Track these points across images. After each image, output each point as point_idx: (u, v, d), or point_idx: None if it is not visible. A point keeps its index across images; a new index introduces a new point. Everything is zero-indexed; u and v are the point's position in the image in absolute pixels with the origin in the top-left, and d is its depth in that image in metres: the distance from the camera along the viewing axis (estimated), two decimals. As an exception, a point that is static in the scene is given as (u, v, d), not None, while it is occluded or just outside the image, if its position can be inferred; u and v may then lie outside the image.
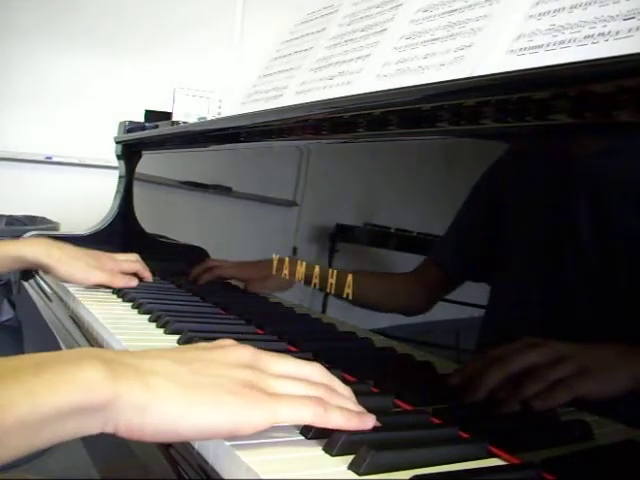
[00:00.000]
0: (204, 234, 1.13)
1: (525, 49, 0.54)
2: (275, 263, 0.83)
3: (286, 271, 0.81)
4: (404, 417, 0.52)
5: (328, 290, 0.71)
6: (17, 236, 1.40)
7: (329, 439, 0.43)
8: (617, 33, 0.46)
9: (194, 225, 1.20)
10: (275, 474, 0.38)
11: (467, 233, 0.58)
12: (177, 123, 1.46)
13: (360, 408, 0.46)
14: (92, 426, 0.39)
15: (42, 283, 1.12)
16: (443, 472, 0.41)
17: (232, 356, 0.46)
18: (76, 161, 2.89)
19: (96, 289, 0.97)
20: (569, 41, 0.50)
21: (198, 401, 0.41)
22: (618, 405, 0.42)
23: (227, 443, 0.42)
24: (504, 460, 0.44)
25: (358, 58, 0.78)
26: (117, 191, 1.50)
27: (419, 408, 0.53)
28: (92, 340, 0.77)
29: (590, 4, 0.50)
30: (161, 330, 0.74)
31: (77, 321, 0.86)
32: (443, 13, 0.68)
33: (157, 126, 1.50)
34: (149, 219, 1.39)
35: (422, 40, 0.69)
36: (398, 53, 0.71)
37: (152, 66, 2.95)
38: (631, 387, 0.41)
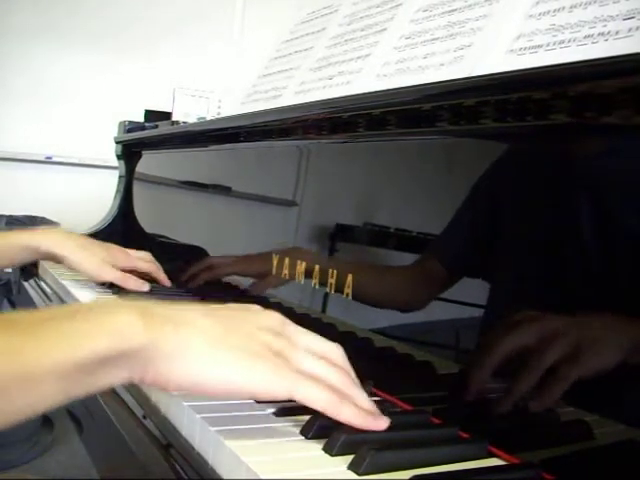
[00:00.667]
0: (204, 234, 1.13)
1: (525, 49, 0.54)
2: (275, 262, 0.83)
3: (286, 271, 0.80)
4: (404, 417, 0.52)
5: (328, 290, 0.71)
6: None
7: (329, 439, 0.43)
8: (617, 33, 0.46)
9: (194, 225, 1.20)
10: (275, 474, 0.38)
11: (468, 230, 0.58)
12: (177, 123, 1.46)
13: (372, 405, 0.46)
14: (121, 375, 0.39)
15: (42, 283, 1.12)
16: (443, 472, 0.41)
17: (262, 320, 0.47)
18: (76, 161, 2.89)
19: (96, 290, 0.97)
20: (569, 41, 0.50)
21: (227, 358, 0.41)
22: (618, 405, 0.42)
23: (227, 443, 0.42)
24: (504, 460, 0.44)
25: (358, 58, 0.78)
26: (117, 191, 1.50)
27: (419, 408, 0.53)
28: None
29: (590, 4, 0.50)
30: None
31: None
32: (443, 13, 0.68)
33: (157, 126, 1.50)
34: (149, 219, 1.39)
35: (422, 40, 0.69)
36: (398, 53, 0.71)
37: (152, 65, 2.95)
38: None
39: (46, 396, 0.37)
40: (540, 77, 0.47)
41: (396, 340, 0.63)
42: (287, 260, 0.80)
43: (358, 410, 0.44)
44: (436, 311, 0.59)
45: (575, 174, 0.48)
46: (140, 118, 1.62)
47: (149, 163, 1.44)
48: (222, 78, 2.77)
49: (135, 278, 0.93)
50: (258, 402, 0.50)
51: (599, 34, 0.48)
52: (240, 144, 0.99)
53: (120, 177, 1.51)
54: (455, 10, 0.66)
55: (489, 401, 0.50)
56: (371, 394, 0.56)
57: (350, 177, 0.75)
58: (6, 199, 2.64)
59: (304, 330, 0.50)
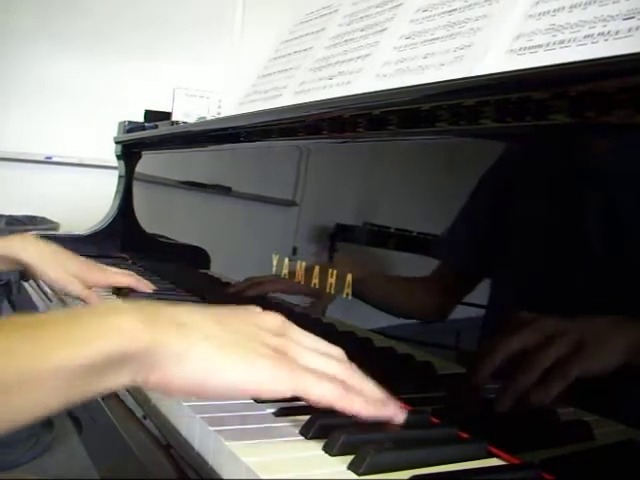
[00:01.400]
0: (204, 234, 1.13)
1: (525, 49, 0.54)
2: (275, 262, 0.83)
3: (286, 271, 0.80)
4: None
5: (328, 290, 0.71)
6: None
7: (328, 439, 0.43)
8: (617, 33, 0.46)
9: (194, 225, 1.20)
10: (275, 474, 0.38)
11: (471, 232, 0.58)
12: (177, 123, 1.46)
13: (380, 394, 0.46)
14: (124, 378, 0.39)
15: (42, 283, 1.12)
16: (443, 472, 0.41)
17: (264, 321, 0.47)
18: (76, 161, 2.89)
19: (100, 292, 0.96)
20: (569, 41, 0.50)
21: (231, 359, 0.41)
22: (618, 405, 0.42)
23: (227, 443, 0.42)
24: (504, 460, 0.44)
25: (358, 58, 0.78)
26: (117, 191, 1.50)
27: (419, 408, 0.53)
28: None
29: (590, 4, 0.50)
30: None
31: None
32: (443, 13, 0.68)
33: (157, 126, 1.50)
34: (149, 219, 1.39)
35: (422, 40, 0.69)
36: (398, 53, 0.71)
37: (152, 66, 2.95)
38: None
39: (47, 399, 0.36)
40: (540, 77, 0.47)
41: (396, 340, 0.63)
42: (286, 260, 0.80)
43: (367, 400, 0.44)
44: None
45: (575, 174, 0.48)
46: (140, 118, 1.62)
47: (149, 163, 1.44)
48: (222, 78, 2.77)
49: (96, 297, 0.89)
50: (260, 402, 0.50)
51: (599, 34, 0.48)
52: (240, 144, 0.99)
53: (120, 177, 1.51)
54: (455, 10, 0.66)
55: (489, 400, 0.50)
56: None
57: (350, 177, 0.75)
58: (6, 199, 2.65)
59: (305, 332, 0.50)
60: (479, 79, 0.54)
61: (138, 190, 1.46)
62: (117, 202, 1.48)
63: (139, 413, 0.56)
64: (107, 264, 1.06)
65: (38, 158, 2.86)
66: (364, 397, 0.44)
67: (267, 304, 0.86)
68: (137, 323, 0.39)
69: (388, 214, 0.68)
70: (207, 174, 1.14)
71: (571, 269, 0.47)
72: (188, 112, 1.50)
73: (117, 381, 0.39)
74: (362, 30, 0.82)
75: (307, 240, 0.81)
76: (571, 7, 0.52)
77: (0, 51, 2.81)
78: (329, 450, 0.42)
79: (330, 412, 0.48)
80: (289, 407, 0.49)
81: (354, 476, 0.39)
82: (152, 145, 1.42)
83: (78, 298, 0.89)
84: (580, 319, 0.45)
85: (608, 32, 0.47)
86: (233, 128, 0.98)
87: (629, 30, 0.45)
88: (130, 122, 1.53)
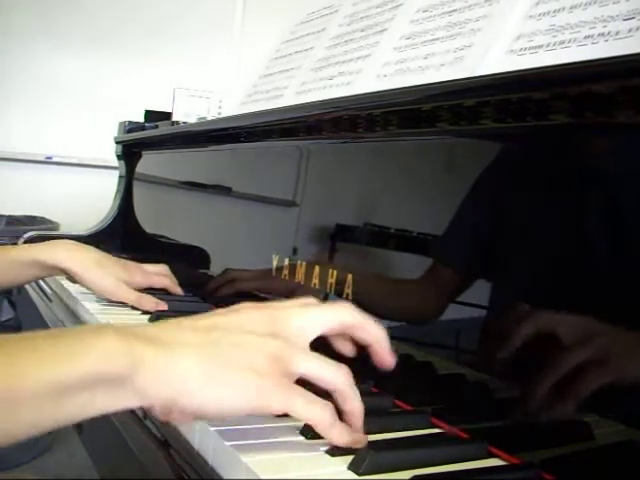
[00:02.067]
0: (204, 234, 1.13)
1: (525, 49, 0.54)
2: (275, 262, 0.83)
3: (286, 271, 0.81)
4: (404, 417, 0.52)
5: (328, 290, 0.71)
6: (17, 236, 1.40)
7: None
8: (617, 33, 0.46)
9: (194, 225, 1.20)
10: (275, 474, 0.38)
11: (472, 232, 0.58)
12: (177, 123, 1.46)
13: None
14: (127, 400, 0.38)
15: (42, 283, 1.12)
16: (443, 472, 0.41)
17: (255, 323, 0.45)
18: (76, 161, 2.90)
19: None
20: (569, 41, 0.50)
21: (223, 384, 0.40)
22: (618, 405, 0.42)
23: (227, 443, 0.42)
24: (504, 460, 0.44)
25: (358, 58, 0.78)
26: (117, 191, 1.50)
27: (419, 408, 0.53)
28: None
29: (590, 4, 0.50)
30: (161, 330, 0.74)
31: (77, 321, 0.86)
32: (443, 13, 0.68)
33: (157, 126, 1.50)
34: (149, 219, 1.39)
35: (422, 40, 0.69)
36: (398, 53, 0.71)
37: (152, 66, 2.95)
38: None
39: (29, 421, 0.35)
40: (540, 77, 0.47)
41: (396, 340, 0.63)
42: (286, 261, 0.80)
43: (345, 433, 0.42)
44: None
45: (575, 174, 0.48)
46: (140, 118, 1.63)
47: (149, 163, 1.44)
48: (222, 78, 2.77)
49: (150, 299, 0.86)
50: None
51: (599, 34, 0.48)
52: (240, 144, 0.99)
53: (120, 177, 1.51)
54: (455, 10, 0.66)
55: (489, 400, 0.50)
56: (371, 394, 0.56)
57: (350, 177, 0.75)
58: (6, 199, 2.65)
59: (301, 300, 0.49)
60: (479, 79, 0.54)
61: (138, 190, 1.46)
62: (117, 202, 1.48)
63: (139, 413, 0.56)
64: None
65: (38, 158, 2.86)
66: (344, 429, 0.42)
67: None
68: (117, 342, 0.38)
69: (388, 214, 0.69)
70: (207, 174, 1.14)
71: (571, 269, 0.47)
72: (188, 112, 1.50)
73: (119, 402, 0.38)
74: (362, 30, 0.82)
75: (307, 240, 0.81)
76: (571, 8, 0.52)
77: (0, 51, 2.81)
78: (329, 450, 0.42)
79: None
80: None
81: (354, 476, 0.39)
82: (152, 145, 1.42)
83: (128, 302, 0.85)
84: (586, 321, 0.45)
85: (608, 33, 0.47)
86: (234, 128, 0.98)
87: (629, 31, 0.45)
88: (130, 122, 1.53)
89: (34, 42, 2.84)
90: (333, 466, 0.40)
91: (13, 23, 2.82)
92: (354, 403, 0.44)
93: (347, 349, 0.51)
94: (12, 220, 2.52)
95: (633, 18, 0.46)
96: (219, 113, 1.52)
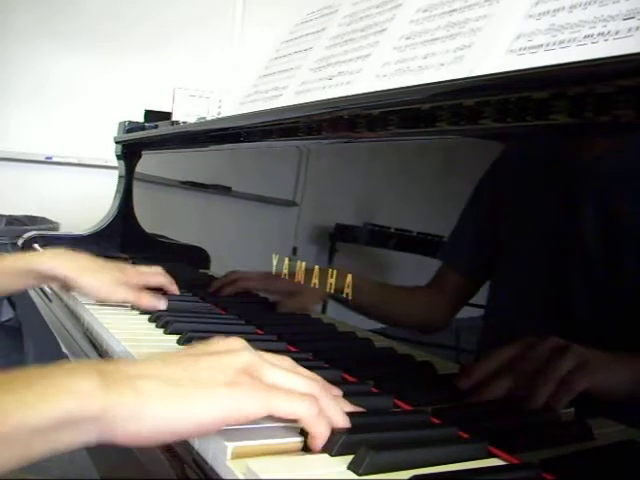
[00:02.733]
0: (204, 234, 1.13)
1: (525, 49, 0.54)
2: (275, 262, 0.83)
3: (286, 271, 0.81)
4: (404, 417, 0.52)
5: (328, 290, 0.71)
6: (17, 236, 1.40)
7: (328, 439, 0.42)
8: (617, 33, 0.46)
9: (194, 225, 1.20)
10: (275, 474, 0.38)
11: (475, 234, 0.58)
12: (177, 123, 1.46)
13: (353, 407, 0.47)
14: (88, 436, 0.39)
15: (47, 289, 1.12)
16: (443, 472, 0.41)
17: (226, 347, 0.46)
18: (76, 161, 2.90)
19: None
20: (569, 41, 0.50)
21: (191, 399, 0.41)
22: (618, 405, 0.42)
23: (227, 443, 0.42)
24: (504, 460, 0.44)
25: (358, 58, 0.78)
26: (117, 191, 1.50)
27: (419, 408, 0.53)
28: (92, 340, 0.77)
29: (590, 4, 0.50)
30: (161, 330, 0.74)
31: (77, 321, 0.86)
32: (443, 13, 0.68)
33: (157, 126, 1.50)
34: (149, 219, 1.39)
35: (422, 40, 0.69)
36: (398, 53, 0.71)
37: (152, 66, 2.95)
38: (630, 388, 0.41)
39: (3, 458, 0.36)
40: (540, 77, 0.47)
41: (396, 340, 0.63)
42: (286, 261, 0.80)
43: (329, 432, 0.43)
44: (436, 311, 0.59)
45: (575, 174, 0.48)
46: (140, 118, 1.62)
47: (149, 163, 1.44)
48: (222, 78, 2.77)
49: (149, 295, 0.86)
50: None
51: (599, 34, 0.48)
52: (240, 144, 0.99)
53: (120, 177, 1.51)
54: (455, 10, 0.66)
55: (489, 400, 0.50)
56: (371, 394, 0.56)
57: (350, 177, 0.75)
58: (6, 199, 2.65)
59: (272, 354, 0.49)
60: (479, 79, 0.54)
61: (138, 190, 1.46)
62: (117, 202, 1.48)
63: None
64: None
65: (38, 158, 2.86)
66: (329, 426, 0.43)
67: (266, 303, 0.86)
68: (91, 385, 0.38)
69: (388, 214, 0.69)
70: (207, 174, 1.14)
71: (571, 269, 0.47)
72: (188, 112, 1.50)
73: (82, 439, 0.39)
74: (362, 30, 0.82)
75: (307, 240, 0.81)
76: (571, 7, 0.52)
77: (0, 50, 2.81)
78: (329, 450, 0.42)
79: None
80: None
81: (354, 476, 0.39)
82: (152, 145, 1.42)
83: (127, 302, 0.86)
84: (583, 322, 0.45)
85: (608, 32, 0.47)
86: (233, 128, 0.98)
87: (629, 30, 0.45)
88: (130, 122, 1.53)
89: (34, 42, 2.84)
90: (333, 466, 0.40)
91: (13, 23, 2.82)
92: (333, 413, 0.44)
93: None
94: (12, 220, 2.53)
95: (633, 18, 0.46)
96: (219, 113, 1.52)
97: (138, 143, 1.46)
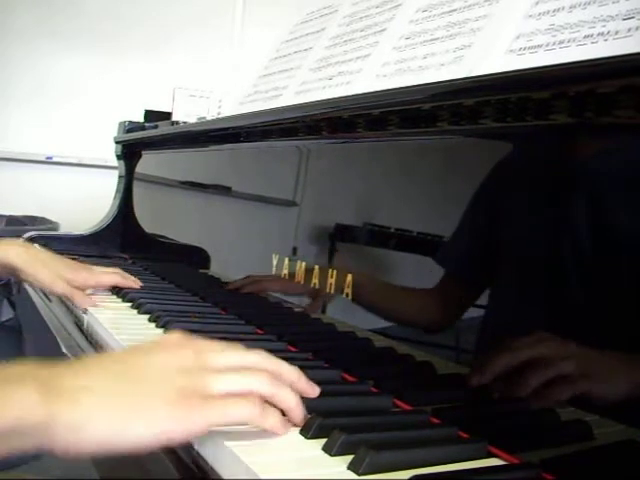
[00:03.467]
0: (204, 234, 1.13)
1: (524, 49, 0.54)
2: (275, 262, 0.83)
3: (286, 271, 0.81)
4: (404, 417, 0.52)
5: (328, 290, 0.71)
6: (17, 236, 1.40)
7: (328, 439, 0.42)
8: (616, 33, 0.46)
9: (194, 225, 1.20)
10: (275, 474, 0.38)
11: (475, 236, 0.58)
12: (177, 123, 1.46)
13: (309, 384, 0.48)
14: (27, 446, 0.40)
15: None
16: (443, 472, 0.41)
17: (173, 358, 0.46)
18: (76, 161, 2.89)
19: (97, 290, 0.96)
20: (568, 41, 0.50)
21: (130, 416, 0.41)
22: (618, 405, 0.42)
23: (227, 443, 0.42)
24: (504, 460, 0.44)
25: (358, 58, 0.78)
26: (117, 191, 1.50)
27: (419, 408, 0.53)
28: (92, 340, 0.77)
29: (589, 4, 0.50)
30: (161, 330, 0.74)
31: (77, 321, 0.86)
32: (442, 13, 0.68)
33: (157, 126, 1.50)
34: (149, 219, 1.39)
35: (422, 40, 0.69)
36: (398, 53, 0.71)
37: (152, 66, 2.95)
38: (629, 390, 0.41)
39: None
40: (540, 77, 0.47)
41: (396, 340, 0.63)
42: (286, 261, 0.80)
43: (281, 420, 0.44)
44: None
45: (575, 174, 0.48)
46: (140, 118, 1.62)
47: (149, 163, 1.44)
48: (222, 78, 2.77)
49: (82, 294, 0.90)
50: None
51: (599, 34, 0.48)
52: (240, 144, 0.99)
53: (120, 177, 1.51)
54: (455, 10, 0.66)
55: (489, 400, 0.50)
56: (370, 393, 0.56)
57: (350, 177, 0.75)
58: (6, 199, 2.65)
59: (223, 348, 0.49)
60: (479, 79, 0.54)
61: (138, 190, 1.46)
62: (117, 202, 1.48)
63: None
64: (106, 264, 1.06)
65: (38, 158, 2.85)
66: (278, 416, 0.44)
67: (266, 303, 0.86)
68: (32, 399, 0.39)
69: (388, 214, 0.69)
70: (207, 174, 1.14)
71: (572, 269, 0.47)
72: (188, 112, 1.50)
73: (20, 446, 0.40)
74: (362, 30, 0.82)
75: (307, 240, 0.81)
76: (571, 7, 0.52)
77: (0, 51, 2.81)
78: (329, 450, 0.42)
79: (330, 412, 0.48)
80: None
81: (354, 476, 0.39)
82: (152, 145, 1.42)
83: (64, 296, 0.91)
84: (581, 321, 0.45)
85: (608, 32, 0.47)
86: (233, 128, 0.98)
87: (629, 30, 0.45)
88: (130, 122, 1.53)
89: (34, 42, 2.84)
90: (333, 466, 0.40)
91: (13, 23, 2.82)
92: (284, 399, 0.45)
93: None
94: (12, 220, 2.52)
95: (632, 18, 0.46)
96: (219, 113, 1.52)
97: (138, 143, 1.46)
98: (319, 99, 0.76)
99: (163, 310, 0.82)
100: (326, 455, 0.42)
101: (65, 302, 0.96)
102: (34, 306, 1.06)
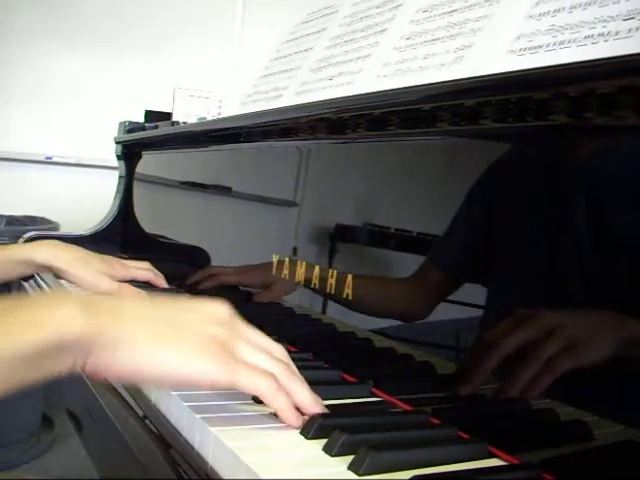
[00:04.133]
0: (204, 234, 1.13)
1: (525, 49, 0.54)
2: (275, 263, 0.83)
3: (286, 271, 0.81)
4: (404, 417, 0.52)
5: (328, 290, 0.71)
6: (17, 236, 1.40)
7: (329, 439, 0.43)
8: (617, 33, 0.46)
9: (194, 225, 1.20)
10: (275, 474, 0.38)
11: (467, 233, 0.58)
12: (177, 123, 1.46)
13: (313, 395, 0.48)
14: (64, 364, 0.41)
15: (42, 283, 1.12)
16: (443, 472, 0.41)
17: (208, 310, 0.48)
18: (76, 161, 2.89)
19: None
20: (569, 41, 0.50)
21: (166, 346, 0.43)
22: (618, 405, 0.42)
23: (227, 443, 0.42)
24: (504, 460, 0.44)
25: (358, 58, 0.78)
26: (117, 191, 1.50)
27: (419, 408, 0.53)
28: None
29: (590, 4, 0.50)
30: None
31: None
32: (443, 13, 0.68)
33: (157, 126, 1.50)
34: (149, 219, 1.39)
35: (422, 40, 0.69)
36: (398, 53, 0.71)
37: (152, 66, 2.95)
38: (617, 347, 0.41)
39: None
40: (540, 77, 0.47)
41: (396, 340, 0.63)
42: (287, 261, 0.80)
43: (290, 404, 0.45)
44: (436, 311, 0.59)
45: (575, 174, 0.48)
46: (140, 118, 1.62)
47: (149, 163, 1.44)
48: (222, 78, 2.77)
49: (131, 288, 0.93)
50: (260, 402, 0.50)
51: (599, 35, 0.48)
52: (240, 144, 0.99)
53: (120, 177, 1.51)
54: (455, 11, 0.66)
55: (488, 399, 0.50)
56: (370, 394, 0.56)
57: (350, 177, 0.75)
58: (6, 199, 2.65)
59: (250, 327, 0.51)
60: (480, 79, 0.54)
61: (138, 190, 1.46)
62: (117, 202, 1.48)
63: (139, 413, 0.56)
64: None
65: (38, 158, 2.85)
66: (289, 400, 0.46)
67: (266, 303, 0.86)
68: (74, 312, 0.41)
69: (388, 214, 0.69)
70: (207, 174, 1.14)
71: (572, 268, 0.47)
72: (188, 112, 1.50)
73: (59, 367, 0.41)
74: (362, 30, 0.82)
75: (307, 240, 0.81)
76: (571, 8, 0.52)
77: (0, 51, 2.81)
78: (329, 450, 0.42)
79: (330, 412, 0.48)
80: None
81: (354, 476, 0.39)
82: (152, 145, 1.42)
83: (109, 292, 0.92)
84: (576, 315, 0.45)
85: (608, 33, 0.47)
86: (234, 128, 0.98)
87: (629, 31, 0.46)
88: (130, 122, 1.53)
89: (34, 42, 2.84)
90: (333, 466, 0.40)
91: (13, 23, 2.82)
92: (298, 392, 0.46)
93: None
94: (12, 220, 2.52)
95: (633, 18, 0.46)
96: (219, 113, 1.52)
97: (138, 143, 1.46)
98: (320, 99, 0.76)
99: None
100: (326, 455, 0.42)
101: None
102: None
